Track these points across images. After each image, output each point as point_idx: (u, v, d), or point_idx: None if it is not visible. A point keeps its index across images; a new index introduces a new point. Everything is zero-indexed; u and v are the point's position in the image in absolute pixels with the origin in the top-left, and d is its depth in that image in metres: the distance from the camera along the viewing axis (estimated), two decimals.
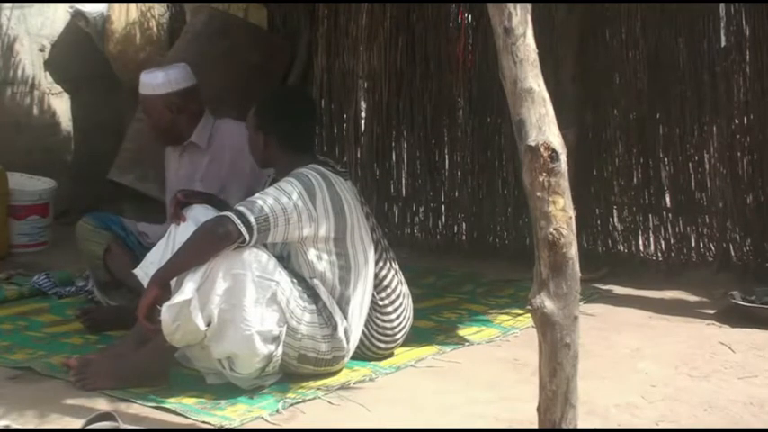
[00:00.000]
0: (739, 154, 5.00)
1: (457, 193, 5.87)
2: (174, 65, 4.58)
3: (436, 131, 5.88)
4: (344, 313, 3.51)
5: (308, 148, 3.73)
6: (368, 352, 3.70)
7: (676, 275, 5.02)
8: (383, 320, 3.69)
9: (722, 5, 5.03)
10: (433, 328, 4.15)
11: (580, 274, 2.55)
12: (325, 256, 3.49)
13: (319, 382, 3.42)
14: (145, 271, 3.51)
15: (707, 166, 5.14)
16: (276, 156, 3.65)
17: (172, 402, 3.22)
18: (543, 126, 2.53)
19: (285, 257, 3.51)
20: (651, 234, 5.35)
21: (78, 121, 6.60)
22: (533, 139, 2.51)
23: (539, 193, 2.51)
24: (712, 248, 5.15)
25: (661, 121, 5.22)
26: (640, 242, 5.38)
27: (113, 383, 3.36)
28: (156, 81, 4.31)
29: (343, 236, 3.52)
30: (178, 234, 3.52)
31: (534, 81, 2.56)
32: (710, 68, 5.02)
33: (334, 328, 3.46)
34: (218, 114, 4.52)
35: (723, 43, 5.07)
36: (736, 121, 5.03)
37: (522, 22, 2.58)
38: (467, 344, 3.95)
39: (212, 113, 4.48)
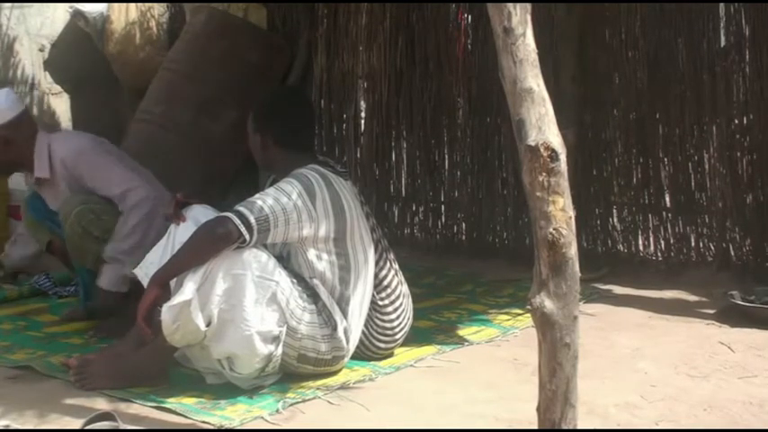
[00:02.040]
0: (739, 154, 5.00)
1: (456, 193, 5.87)
2: None
3: (436, 131, 5.88)
4: (344, 313, 3.51)
5: (308, 148, 3.72)
6: (368, 352, 3.70)
7: (676, 275, 5.02)
8: (383, 320, 3.69)
9: (722, 5, 5.03)
10: (433, 327, 4.15)
11: (580, 274, 2.55)
12: (325, 256, 3.49)
13: (319, 382, 3.42)
14: (145, 271, 3.51)
15: (706, 166, 5.14)
16: (275, 156, 3.65)
17: (172, 402, 3.22)
18: (543, 126, 2.53)
19: (285, 257, 3.51)
20: (651, 234, 5.35)
21: (78, 121, 6.61)
22: (533, 138, 2.51)
23: (538, 193, 2.51)
24: (712, 248, 5.15)
25: (661, 120, 5.22)
26: (640, 242, 5.38)
27: (113, 383, 3.36)
28: None
29: (343, 236, 3.52)
30: (178, 234, 3.52)
31: (534, 81, 2.56)
32: (710, 68, 5.02)
33: (334, 328, 3.47)
34: (217, 114, 4.51)
35: (723, 43, 5.07)
36: (736, 121, 5.03)
37: (521, 21, 2.58)
38: (466, 344, 3.95)
39: (211, 114, 4.45)
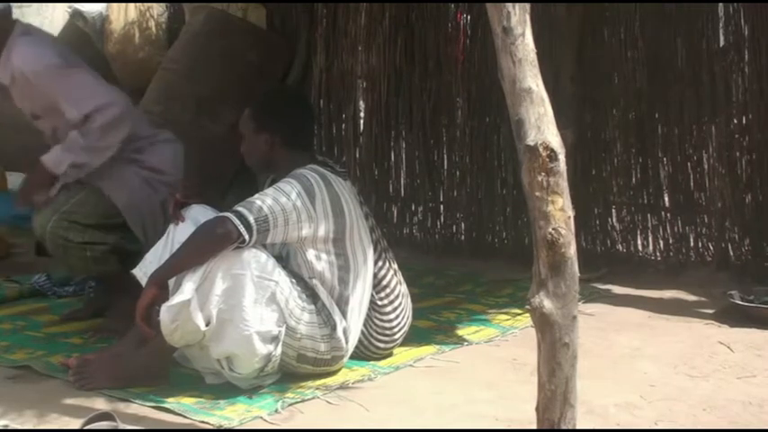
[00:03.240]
0: (738, 154, 5.01)
1: (456, 193, 5.88)
2: None
3: (435, 131, 5.89)
4: (343, 313, 3.51)
5: (308, 147, 3.73)
6: (367, 352, 3.70)
7: (675, 275, 5.02)
8: (382, 320, 3.69)
9: (721, 5, 5.03)
10: (432, 327, 4.15)
11: (579, 274, 2.56)
12: (324, 256, 3.49)
13: (318, 382, 3.42)
14: (143, 271, 3.51)
15: (706, 166, 5.14)
16: (279, 156, 3.63)
17: (171, 402, 3.22)
18: (542, 126, 2.53)
19: (284, 257, 3.51)
20: (650, 234, 5.36)
21: None
22: (532, 138, 2.51)
23: (537, 193, 2.51)
24: (711, 248, 5.15)
25: (660, 120, 5.23)
26: (639, 242, 5.39)
27: (112, 383, 3.36)
28: None
29: (343, 236, 3.52)
30: (177, 234, 3.52)
31: (533, 81, 2.56)
32: (709, 68, 5.03)
33: (333, 328, 3.47)
34: (217, 114, 4.47)
35: (722, 43, 5.07)
36: (735, 121, 5.03)
37: (520, 21, 2.57)
38: (466, 343, 3.95)
39: (211, 113, 4.42)
